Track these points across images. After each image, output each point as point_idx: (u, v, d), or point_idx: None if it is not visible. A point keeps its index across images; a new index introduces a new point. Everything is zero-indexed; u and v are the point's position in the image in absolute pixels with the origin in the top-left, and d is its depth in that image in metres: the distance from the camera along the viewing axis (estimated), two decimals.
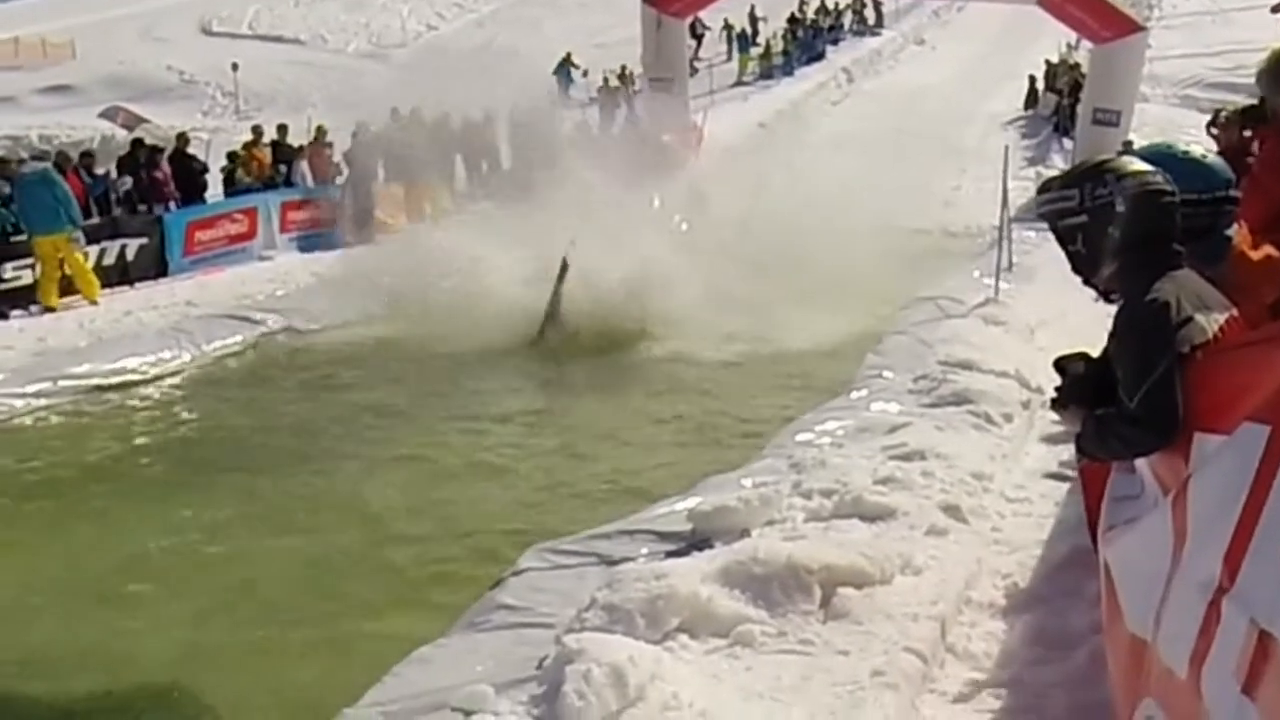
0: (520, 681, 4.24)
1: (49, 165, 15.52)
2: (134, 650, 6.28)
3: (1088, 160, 3.55)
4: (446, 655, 4.72)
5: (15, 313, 14.28)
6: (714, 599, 4.66)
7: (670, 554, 5.42)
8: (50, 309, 14.44)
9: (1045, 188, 3.72)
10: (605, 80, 32.84)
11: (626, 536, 5.79)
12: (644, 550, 5.56)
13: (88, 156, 17.73)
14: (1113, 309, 3.45)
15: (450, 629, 5.06)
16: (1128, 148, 18.02)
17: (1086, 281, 3.55)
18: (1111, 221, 3.36)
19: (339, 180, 20.12)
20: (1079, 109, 24.46)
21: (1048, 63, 31.92)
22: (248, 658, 6.13)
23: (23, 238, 14.80)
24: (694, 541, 5.54)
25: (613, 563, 5.38)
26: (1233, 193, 3.46)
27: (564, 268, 13.35)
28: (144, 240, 16.30)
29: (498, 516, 8.11)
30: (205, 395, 12.08)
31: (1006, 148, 15.63)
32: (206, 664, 6.05)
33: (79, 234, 14.78)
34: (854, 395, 8.67)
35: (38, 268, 14.64)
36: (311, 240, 19.01)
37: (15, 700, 5.88)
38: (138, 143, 18.83)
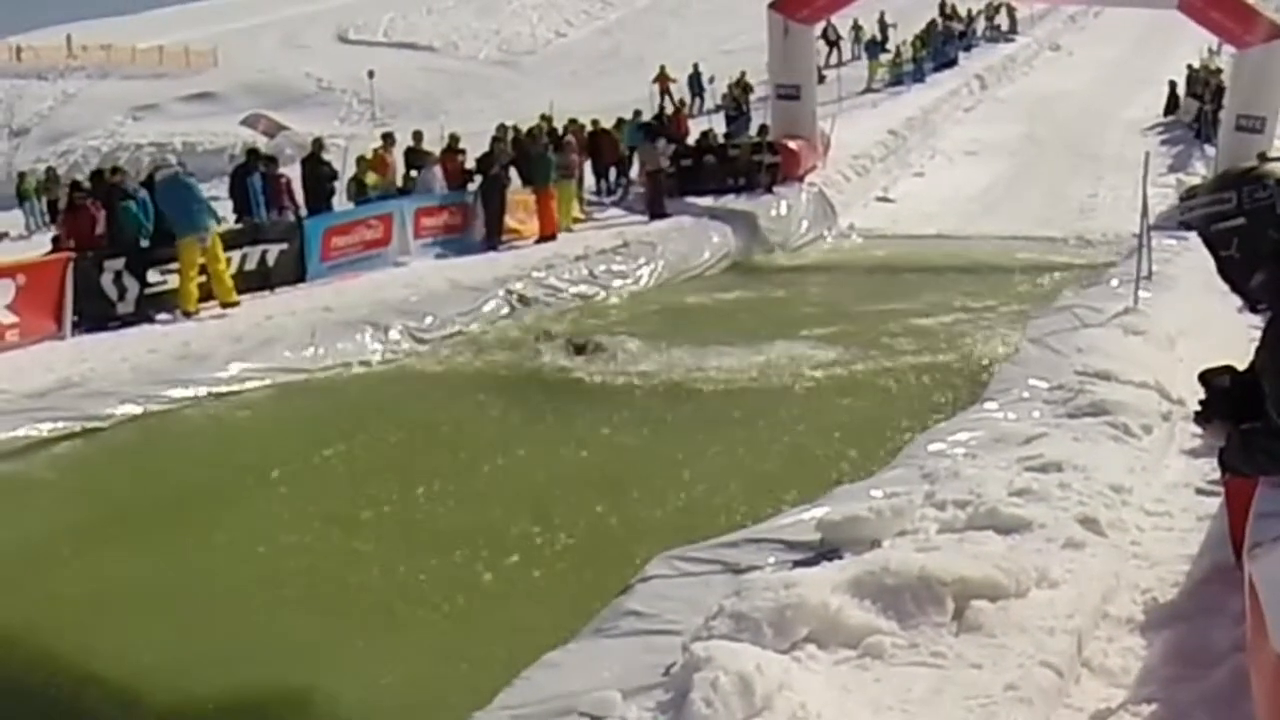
0: (647, 688, 4.24)
1: (179, 168, 15.96)
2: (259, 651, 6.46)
3: (1240, 164, 3.44)
4: (574, 660, 4.73)
5: (161, 317, 14.62)
6: (844, 609, 4.60)
7: (798, 563, 5.37)
8: (189, 314, 14.76)
9: (1192, 193, 3.61)
10: (730, 88, 32.83)
11: (753, 545, 5.75)
12: (771, 559, 5.52)
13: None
14: (1257, 319, 3.34)
15: (578, 634, 5.07)
16: (1263, 157, 17.41)
17: (1235, 289, 3.44)
18: (1272, 225, 3.24)
19: (471, 187, 20.33)
20: (1221, 115, 23.90)
21: (1189, 68, 31.15)
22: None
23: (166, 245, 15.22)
24: (823, 551, 5.49)
25: (739, 571, 5.36)
26: None
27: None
28: (284, 246, 16.60)
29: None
30: (343, 396, 12.35)
31: (1147, 154, 15.27)
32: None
33: (205, 234, 15.03)
34: (987, 405, 8.53)
35: (184, 270, 14.94)
36: (444, 246, 19.24)
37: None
38: (252, 152, 19.16)
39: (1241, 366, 3.65)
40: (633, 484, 9.12)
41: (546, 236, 20.07)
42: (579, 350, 13.32)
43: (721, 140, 25.93)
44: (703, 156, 24.00)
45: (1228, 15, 22.72)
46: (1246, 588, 3.65)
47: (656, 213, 21.80)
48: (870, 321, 15.27)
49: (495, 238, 19.55)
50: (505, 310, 15.91)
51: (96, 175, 17.84)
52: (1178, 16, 23.77)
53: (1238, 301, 3.49)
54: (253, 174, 16.95)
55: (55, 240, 15.70)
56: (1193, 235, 14.28)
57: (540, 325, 14.46)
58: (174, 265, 14.85)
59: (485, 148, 20.63)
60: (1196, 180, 21.50)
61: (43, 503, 9.58)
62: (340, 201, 19.05)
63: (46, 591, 7.57)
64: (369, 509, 8.88)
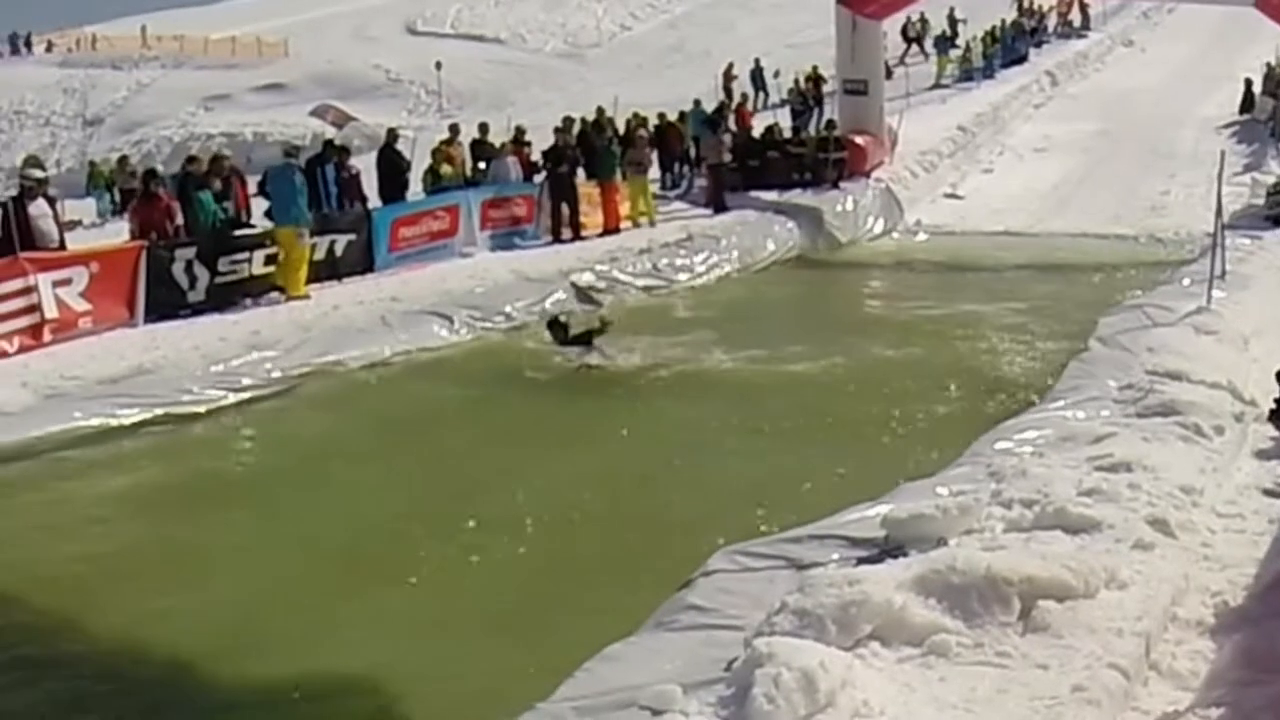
0: (708, 683, 4.25)
1: (290, 159, 16.23)
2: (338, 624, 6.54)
3: None
4: (636, 653, 4.75)
5: (241, 304, 14.70)
6: (908, 607, 4.59)
7: (862, 560, 5.36)
8: (295, 297, 14.96)
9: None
10: (796, 82, 32.67)
11: (816, 541, 5.75)
12: (835, 555, 5.52)
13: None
14: None
15: (639, 628, 5.09)
16: None
17: None
18: None
19: (537, 179, 20.35)
20: None
21: (1266, 65, 30.64)
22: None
23: (241, 232, 15.44)
24: (887, 549, 5.48)
25: (803, 567, 5.36)
26: None
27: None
28: (353, 236, 16.66)
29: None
30: (412, 385, 12.49)
31: (1221, 152, 15.14)
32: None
33: (305, 228, 15.35)
34: (1055, 404, 8.46)
35: (280, 257, 15.22)
36: (510, 237, 19.27)
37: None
38: (328, 144, 19.31)
39: None
40: (696, 476, 9.14)
41: (611, 229, 20.00)
42: (587, 340, 13.19)
43: (788, 134, 25.77)
44: (767, 151, 23.84)
45: None
46: None
47: (718, 206, 21.73)
48: (936, 318, 15.20)
49: (562, 233, 19.56)
50: (569, 302, 15.91)
51: (192, 159, 18.16)
52: (1254, 14, 23.37)
53: None
54: (326, 164, 17.07)
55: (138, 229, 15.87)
56: (1268, 235, 14.20)
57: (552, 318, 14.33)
58: (242, 255, 15.00)
59: (549, 141, 20.56)
60: (1272, 179, 21.21)
61: (120, 485, 9.74)
62: (415, 191, 19.12)
63: (124, 560, 7.76)
64: (432, 497, 9.00)
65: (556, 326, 13.38)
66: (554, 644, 5.65)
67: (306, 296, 15.17)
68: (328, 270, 16.01)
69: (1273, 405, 3.52)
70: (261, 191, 16.08)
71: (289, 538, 8.38)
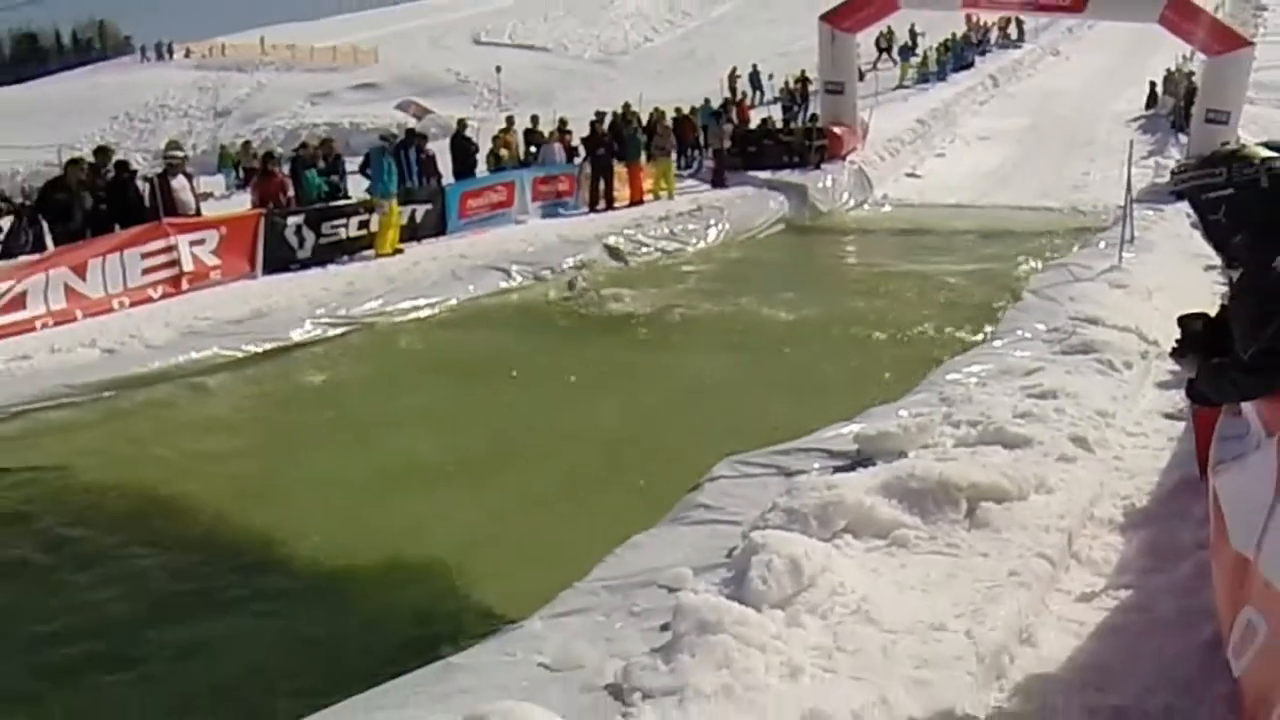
0: (713, 566, 4.21)
1: (385, 143, 16.27)
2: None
3: (1227, 145, 3.30)
4: (655, 543, 4.71)
5: (339, 260, 14.64)
6: (875, 507, 4.53)
7: (838, 469, 5.29)
8: (385, 254, 14.93)
9: (1183, 168, 3.45)
10: (786, 83, 32.36)
11: (802, 453, 5.67)
12: (816, 465, 5.45)
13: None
14: (1218, 276, 3.20)
15: (658, 523, 5.04)
16: (1225, 145, 16.90)
17: (1217, 248, 3.36)
18: (1254, 196, 3.13)
19: (577, 160, 20.31)
20: (1193, 110, 23.19)
21: (1167, 71, 30.23)
22: None
23: (339, 202, 15.39)
24: (859, 460, 5.40)
25: (790, 474, 5.29)
26: None
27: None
28: (430, 206, 16.63)
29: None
30: (476, 325, 12.46)
31: (1130, 141, 14.89)
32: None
33: (392, 199, 15.35)
34: (995, 343, 8.36)
35: (372, 223, 15.18)
36: (555, 207, 19.20)
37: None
38: (412, 133, 19.21)
39: (1212, 313, 3.54)
40: (704, 400, 9.08)
41: (636, 201, 19.90)
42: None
43: (780, 126, 25.60)
44: (763, 140, 23.76)
45: (1200, 28, 22.17)
46: (1210, 497, 3.57)
47: (719, 183, 21.59)
48: (899, 273, 15.06)
49: (598, 204, 19.45)
50: (604, 259, 15.87)
51: (326, 141, 18.48)
52: (1157, 29, 23.11)
53: (1205, 262, 3.35)
54: (410, 149, 17.04)
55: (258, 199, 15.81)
56: (1168, 207, 13.94)
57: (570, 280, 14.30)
58: (340, 220, 14.94)
59: (586, 130, 20.47)
60: (1170, 163, 21.04)
61: (242, 400, 9.80)
62: (480, 171, 19.10)
63: (233, 477, 7.73)
64: (491, 410, 9.01)
65: (570, 286, 13.84)
66: (588, 534, 5.61)
67: (398, 251, 15.14)
68: (409, 233, 15.94)
69: (1173, 345, 3.46)
70: (361, 170, 16.03)
71: (375, 439, 8.42)
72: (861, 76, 29.16)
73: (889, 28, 38.92)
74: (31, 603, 5.83)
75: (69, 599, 5.82)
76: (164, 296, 12.40)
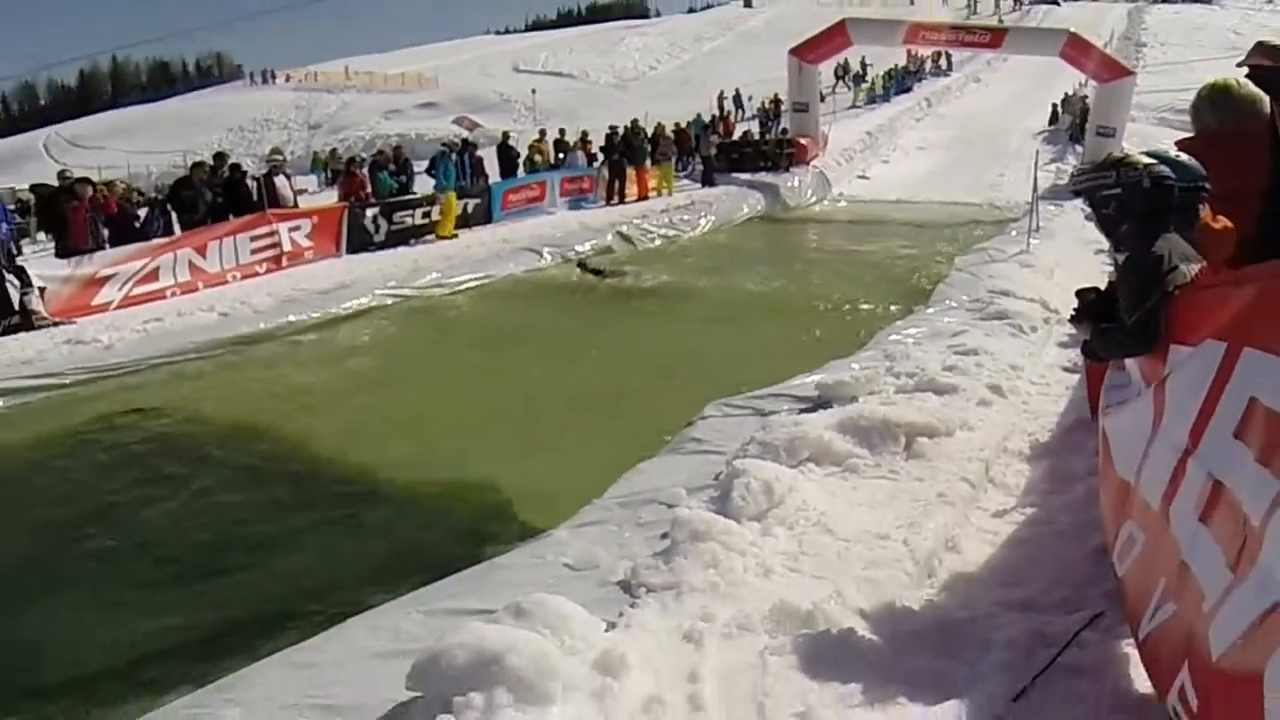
0: (703, 487, 4.18)
1: (447, 149, 16.51)
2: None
3: (1115, 154, 3.24)
4: (656, 469, 4.68)
5: (408, 243, 14.56)
6: (832, 441, 4.49)
7: (803, 410, 5.25)
8: (444, 237, 14.95)
9: (1081, 171, 3.38)
10: (763, 104, 31.97)
11: (774, 398, 5.63)
12: (785, 407, 5.40)
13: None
14: (1107, 258, 3.14)
15: (659, 453, 5.00)
16: (1111, 154, 16.67)
17: (1108, 236, 3.29)
18: (1136, 194, 3.07)
19: (595, 164, 20.16)
20: (1087, 126, 22.94)
21: (1065, 94, 29.86)
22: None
23: (408, 196, 15.27)
24: (819, 403, 5.36)
25: (764, 414, 5.25)
26: (1205, 184, 3.09)
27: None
28: (479, 200, 16.58)
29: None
30: (515, 295, 12.33)
31: (1037, 151, 14.94)
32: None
33: (452, 194, 15.51)
34: (929, 311, 8.27)
35: (434, 213, 15.14)
36: (578, 202, 19.08)
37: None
38: (466, 142, 19.10)
39: (1102, 287, 3.51)
40: (696, 356, 9.00)
41: (642, 197, 19.77)
42: (598, 274, 13.16)
43: (757, 138, 25.42)
44: (744, 149, 23.57)
45: (1092, 61, 22.04)
46: (1099, 434, 3.52)
47: (709, 183, 21.39)
48: (852, 254, 14.89)
49: (613, 199, 19.29)
50: (617, 243, 15.72)
51: (397, 149, 18.13)
52: (1059, 61, 22.86)
53: (1098, 246, 3.29)
54: (465, 154, 17.02)
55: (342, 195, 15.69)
56: (1068, 204, 13.73)
57: (580, 260, 14.08)
58: (408, 212, 14.84)
59: (602, 141, 20.43)
60: (1068, 169, 20.87)
61: (334, 352, 9.75)
62: (520, 172, 18.98)
63: (329, 418, 7.69)
64: (529, 361, 8.93)
65: (583, 265, 13.64)
66: (602, 462, 5.59)
67: (455, 236, 15.12)
68: (462, 222, 15.88)
69: (1071, 312, 3.40)
70: (428, 170, 16.25)
71: (434, 385, 8.38)
72: (822, 98, 28.83)
73: (845, 59, 38.50)
74: (179, 506, 5.86)
75: (207, 501, 5.88)
76: (268, 271, 12.36)
